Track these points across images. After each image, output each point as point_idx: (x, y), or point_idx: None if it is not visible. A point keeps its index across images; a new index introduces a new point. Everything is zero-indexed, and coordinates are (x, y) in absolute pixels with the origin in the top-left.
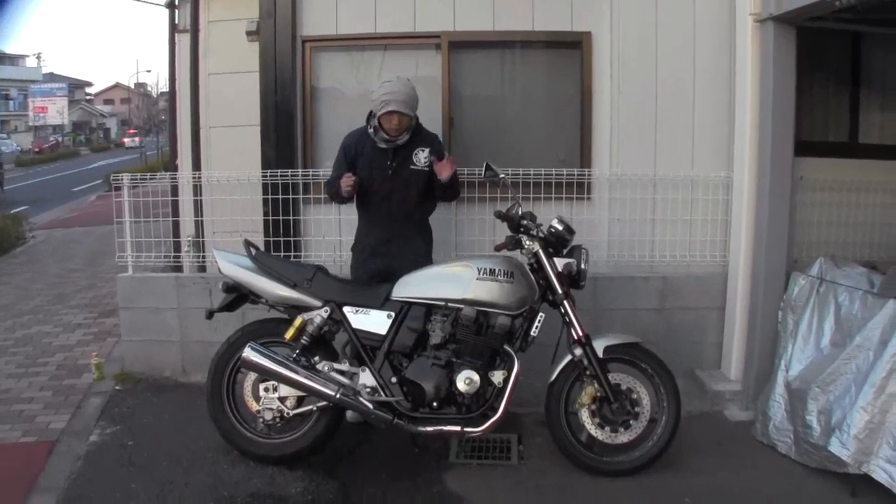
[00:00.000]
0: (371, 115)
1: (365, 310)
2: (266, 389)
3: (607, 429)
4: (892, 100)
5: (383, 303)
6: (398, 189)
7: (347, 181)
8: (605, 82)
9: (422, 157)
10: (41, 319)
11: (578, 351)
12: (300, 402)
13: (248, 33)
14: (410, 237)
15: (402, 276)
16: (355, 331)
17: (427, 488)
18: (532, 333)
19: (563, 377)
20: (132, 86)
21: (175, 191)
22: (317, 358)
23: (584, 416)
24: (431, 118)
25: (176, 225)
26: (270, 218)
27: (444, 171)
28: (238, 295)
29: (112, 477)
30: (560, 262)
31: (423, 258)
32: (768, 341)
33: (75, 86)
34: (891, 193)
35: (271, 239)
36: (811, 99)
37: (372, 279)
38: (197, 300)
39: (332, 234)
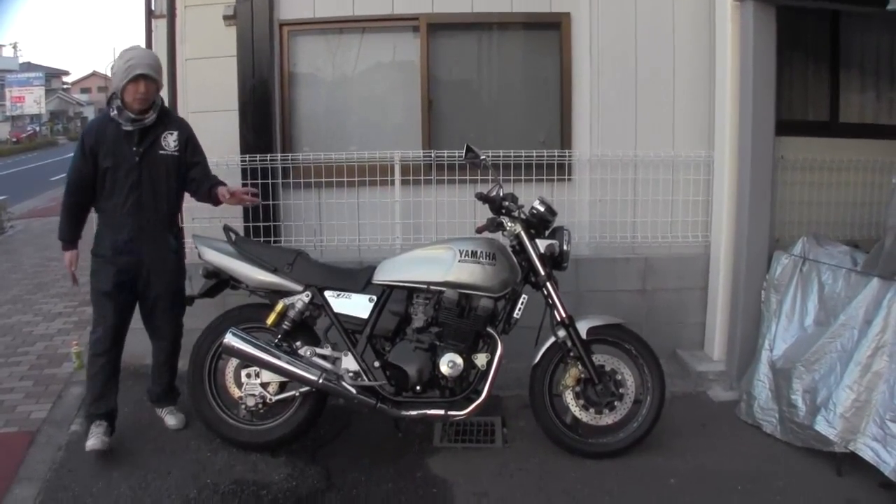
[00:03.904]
0: (112, 97)
1: (346, 294)
2: (248, 375)
3: (592, 410)
4: (871, 78)
5: (364, 286)
6: (147, 177)
7: (70, 260)
8: (584, 63)
9: (171, 140)
10: (20, 309)
11: (562, 333)
12: (282, 387)
13: (225, 17)
14: (161, 233)
15: (154, 276)
16: (337, 315)
17: (411, 472)
18: (515, 315)
19: (546, 359)
20: (109, 74)
21: None
22: (299, 343)
23: (569, 397)
24: (410, 101)
25: None
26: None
27: (227, 196)
28: (218, 281)
29: (94, 466)
30: (542, 244)
31: (175, 257)
32: (751, 321)
33: (52, 75)
34: (871, 172)
35: (251, 224)
36: (791, 78)
37: (115, 282)
38: None
39: (311, 218)
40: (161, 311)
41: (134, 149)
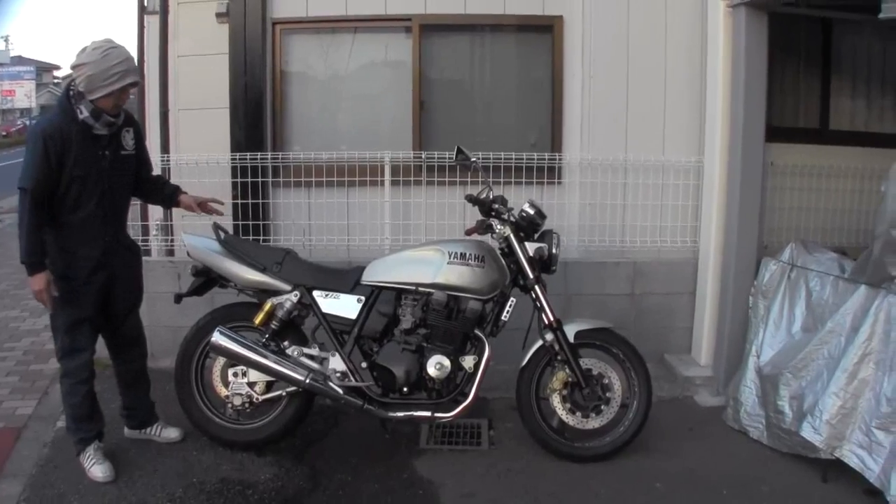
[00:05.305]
0: (78, 98)
1: (335, 294)
2: (235, 374)
3: (578, 414)
4: (862, 86)
5: (353, 287)
6: (115, 182)
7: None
8: (576, 66)
9: (129, 138)
10: (7, 304)
11: (549, 336)
12: (269, 387)
13: (218, 15)
14: (127, 239)
15: (128, 286)
16: (325, 315)
17: (397, 474)
18: (503, 318)
19: (534, 362)
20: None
21: None
22: (286, 343)
23: (555, 401)
24: (402, 102)
25: (144, 208)
26: (240, 201)
27: (195, 207)
28: (207, 279)
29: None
30: (531, 247)
31: (137, 259)
32: (739, 327)
33: (43, 69)
34: (861, 179)
35: (240, 223)
36: (783, 85)
37: (95, 304)
38: (165, 284)
39: (301, 217)
40: (132, 319)
41: (100, 153)
